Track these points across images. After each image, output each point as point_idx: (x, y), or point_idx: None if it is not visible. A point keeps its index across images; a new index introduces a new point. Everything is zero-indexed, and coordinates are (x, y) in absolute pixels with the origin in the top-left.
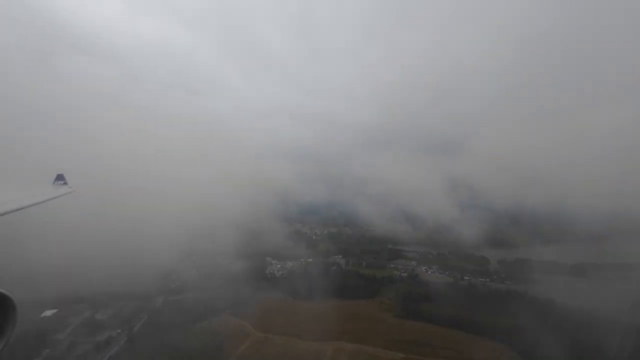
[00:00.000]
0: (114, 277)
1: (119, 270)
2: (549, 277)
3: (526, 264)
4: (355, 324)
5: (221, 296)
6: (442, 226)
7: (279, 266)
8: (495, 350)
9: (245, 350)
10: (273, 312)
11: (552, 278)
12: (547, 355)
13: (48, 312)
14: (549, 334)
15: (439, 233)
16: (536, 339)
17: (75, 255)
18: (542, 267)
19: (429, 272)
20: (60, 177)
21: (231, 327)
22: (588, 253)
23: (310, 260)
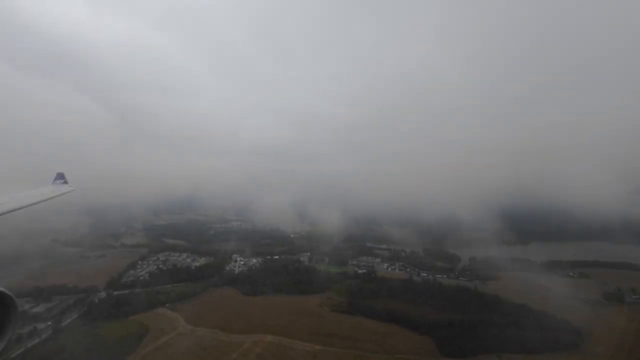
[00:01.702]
0: (67, 273)
1: (74, 266)
2: (511, 274)
3: (495, 261)
4: (287, 318)
5: (168, 291)
6: (428, 226)
7: (242, 263)
8: (415, 342)
9: (164, 342)
10: (214, 306)
11: (514, 275)
12: (465, 347)
13: None
14: (476, 327)
15: (421, 232)
16: (461, 332)
17: (31, 249)
18: (510, 264)
19: (389, 269)
20: (60, 176)
21: (162, 321)
22: (565, 251)
23: (277, 257)
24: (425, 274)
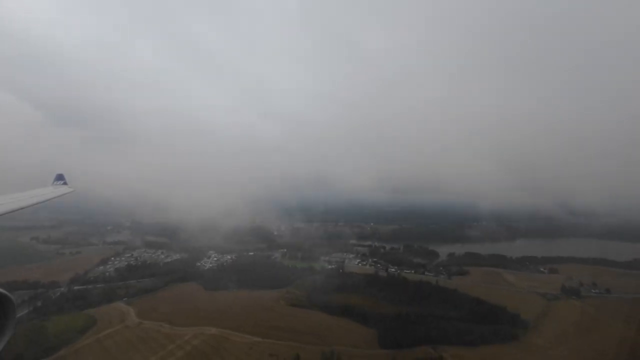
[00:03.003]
0: (35, 269)
1: (45, 262)
2: (483, 270)
3: (471, 257)
4: (239, 312)
5: (131, 286)
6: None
7: (215, 259)
8: (357, 334)
9: (106, 334)
10: (170, 301)
11: (485, 270)
12: (403, 339)
13: None
14: (423, 320)
15: (409, 230)
16: (406, 324)
17: (5, 247)
18: (486, 260)
19: (360, 264)
20: (59, 177)
21: (113, 314)
22: (547, 248)
23: (252, 253)
24: (394, 270)
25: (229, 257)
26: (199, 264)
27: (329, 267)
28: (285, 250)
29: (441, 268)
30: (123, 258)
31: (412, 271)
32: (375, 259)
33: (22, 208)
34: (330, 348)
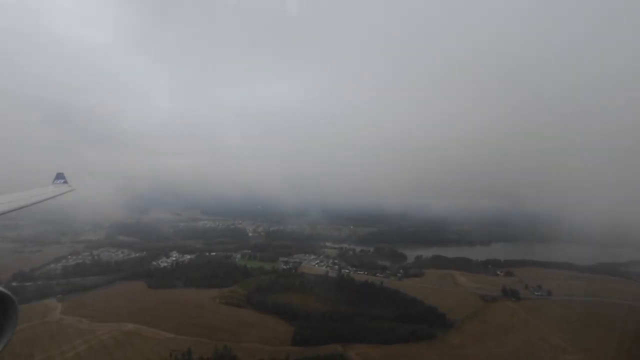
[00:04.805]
0: None
1: None
2: (441, 272)
3: (437, 260)
4: (169, 309)
5: (72, 283)
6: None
7: (173, 258)
8: (275, 332)
9: (19, 329)
10: (106, 298)
11: (443, 272)
12: (315, 337)
13: None
14: (346, 319)
15: (386, 232)
16: (327, 322)
17: None
18: (449, 263)
19: (317, 265)
20: (60, 176)
21: (38, 311)
22: (517, 251)
23: (214, 254)
24: (348, 270)
25: (188, 256)
26: (154, 262)
27: (284, 267)
28: (249, 250)
29: (401, 270)
30: (80, 256)
31: (365, 272)
32: (336, 261)
33: (22, 207)
34: (239, 345)
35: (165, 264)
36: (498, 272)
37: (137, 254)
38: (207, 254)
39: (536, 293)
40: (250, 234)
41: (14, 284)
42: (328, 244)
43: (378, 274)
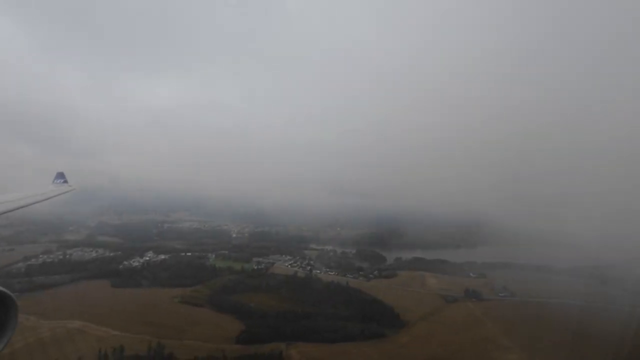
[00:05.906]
0: None
1: None
2: (415, 273)
3: (415, 262)
4: (123, 307)
5: (33, 282)
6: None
7: (147, 258)
8: (224, 330)
9: None
10: (65, 296)
11: (416, 273)
12: (262, 335)
13: None
14: (301, 317)
15: (374, 234)
16: (278, 321)
17: None
18: (426, 264)
19: (289, 266)
20: (60, 176)
21: None
22: (499, 254)
23: (189, 254)
24: (318, 272)
25: (163, 256)
26: (126, 262)
27: (255, 267)
28: (226, 251)
29: (375, 272)
30: (51, 255)
31: (336, 273)
32: (311, 262)
33: (22, 207)
34: (180, 342)
35: (137, 264)
36: (471, 274)
37: (112, 254)
38: (183, 254)
39: (500, 294)
40: (234, 235)
41: None
42: (312, 245)
43: (348, 275)
